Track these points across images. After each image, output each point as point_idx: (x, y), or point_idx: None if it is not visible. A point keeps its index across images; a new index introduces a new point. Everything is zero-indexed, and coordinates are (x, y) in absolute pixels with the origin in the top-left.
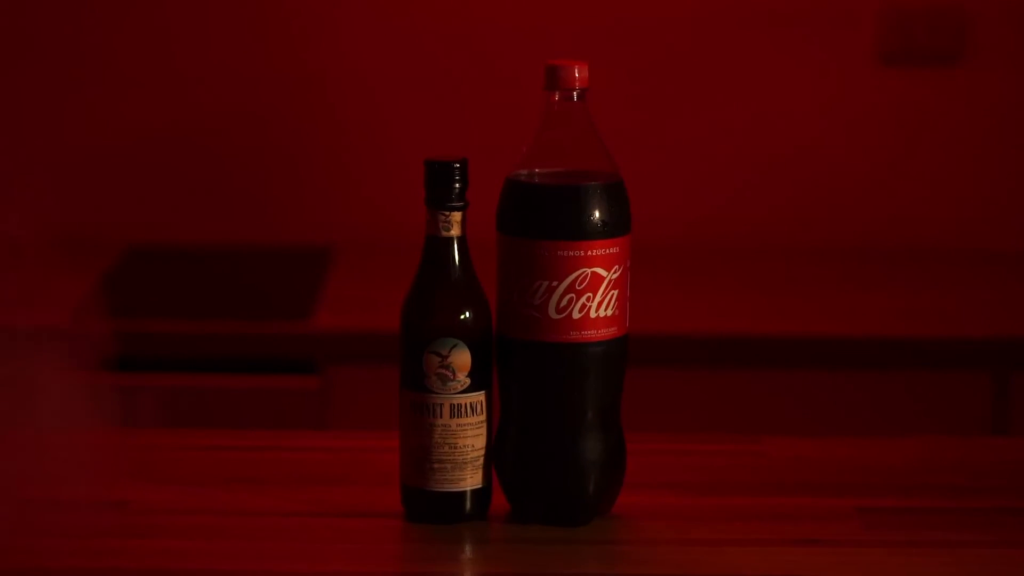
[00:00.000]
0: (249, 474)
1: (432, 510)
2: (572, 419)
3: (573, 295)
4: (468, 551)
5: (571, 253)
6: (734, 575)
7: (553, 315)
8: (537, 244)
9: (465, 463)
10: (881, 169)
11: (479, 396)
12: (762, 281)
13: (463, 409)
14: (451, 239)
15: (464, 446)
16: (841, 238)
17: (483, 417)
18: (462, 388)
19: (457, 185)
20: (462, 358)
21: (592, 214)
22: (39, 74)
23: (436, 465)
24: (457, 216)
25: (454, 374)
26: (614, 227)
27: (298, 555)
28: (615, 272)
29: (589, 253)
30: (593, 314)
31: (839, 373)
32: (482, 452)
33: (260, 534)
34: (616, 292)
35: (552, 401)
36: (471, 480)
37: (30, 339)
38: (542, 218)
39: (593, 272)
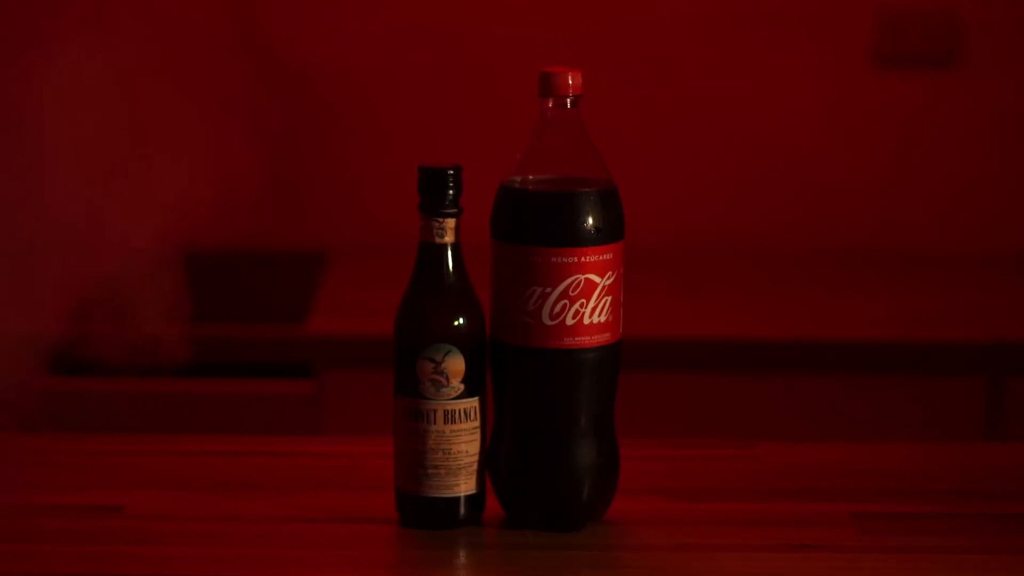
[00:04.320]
0: (243, 479)
1: (426, 516)
2: (566, 425)
3: (567, 301)
4: (462, 557)
5: (565, 260)
6: None
7: (547, 321)
8: (531, 251)
9: (459, 469)
10: (876, 172)
11: (473, 402)
12: (757, 285)
13: (457, 415)
14: (445, 245)
15: (458, 452)
16: (836, 241)
17: (477, 423)
18: (456, 394)
19: (451, 192)
20: (456, 364)
21: (585, 221)
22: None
23: (430, 471)
24: (451, 223)
25: (448, 380)
26: (607, 234)
27: (292, 561)
28: (608, 278)
29: (583, 260)
30: (587, 320)
31: (834, 377)
32: (476, 458)
33: (254, 540)
34: (609, 298)
35: (546, 407)
36: (465, 486)
37: (25, 344)
38: (536, 225)
39: (587, 279)
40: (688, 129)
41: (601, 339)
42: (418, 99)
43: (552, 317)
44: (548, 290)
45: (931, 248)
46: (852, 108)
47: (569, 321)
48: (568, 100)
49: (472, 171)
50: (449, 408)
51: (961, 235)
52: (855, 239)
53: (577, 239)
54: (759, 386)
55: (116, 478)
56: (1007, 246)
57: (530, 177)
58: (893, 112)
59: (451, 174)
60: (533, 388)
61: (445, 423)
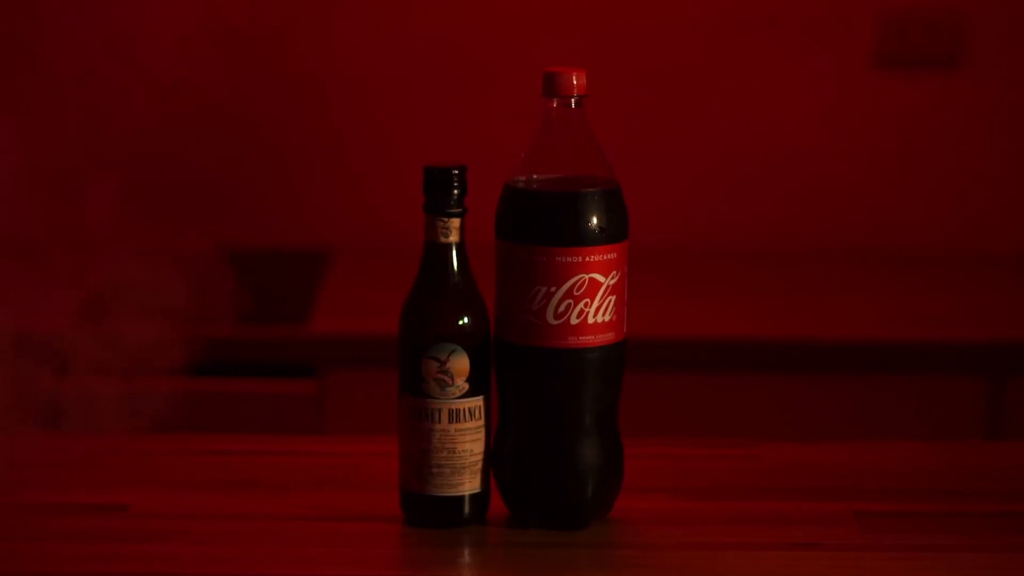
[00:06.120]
0: (247, 478)
1: (431, 515)
2: (570, 424)
3: (571, 301)
4: (467, 555)
5: (569, 259)
6: None
7: (551, 320)
8: (535, 250)
9: (464, 468)
10: (877, 173)
11: (478, 401)
12: (759, 285)
13: (462, 414)
14: (450, 245)
15: (463, 451)
16: (837, 242)
17: (482, 422)
18: (461, 393)
19: (456, 191)
20: (461, 363)
21: (590, 220)
22: (38, 72)
23: (435, 470)
24: (456, 222)
25: (453, 379)
26: (612, 233)
27: (296, 559)
28: (613, 278)
29: (587, 259)
30: (591, 320)
31: (835, 377)
32: (481, 457)
33: (258, 538)
34: (614, 298)
35: (550, 406)
36: (470, 485)
37: (30, 343)
38: (540, 224)
39: (591, 278)
40: (691, 130)
41: (605, 338)
42: (422, 98)
43: (556, 316)
44: (552, 289)
45: (931, 248)
46: (854, 109)
47: (573, 320)
48: (572, 100)
49: (477, 171)
50: (454, 407)
51: (961, 235)
52: (856, 239)
53: (581, 239)
54: (761, 386)
55: (120, 477)
56: (1007, 246)
57: (534, 177)
58: (895, 113)
59: (456, 174)
60: (537, 387)
61: (450, 422)
